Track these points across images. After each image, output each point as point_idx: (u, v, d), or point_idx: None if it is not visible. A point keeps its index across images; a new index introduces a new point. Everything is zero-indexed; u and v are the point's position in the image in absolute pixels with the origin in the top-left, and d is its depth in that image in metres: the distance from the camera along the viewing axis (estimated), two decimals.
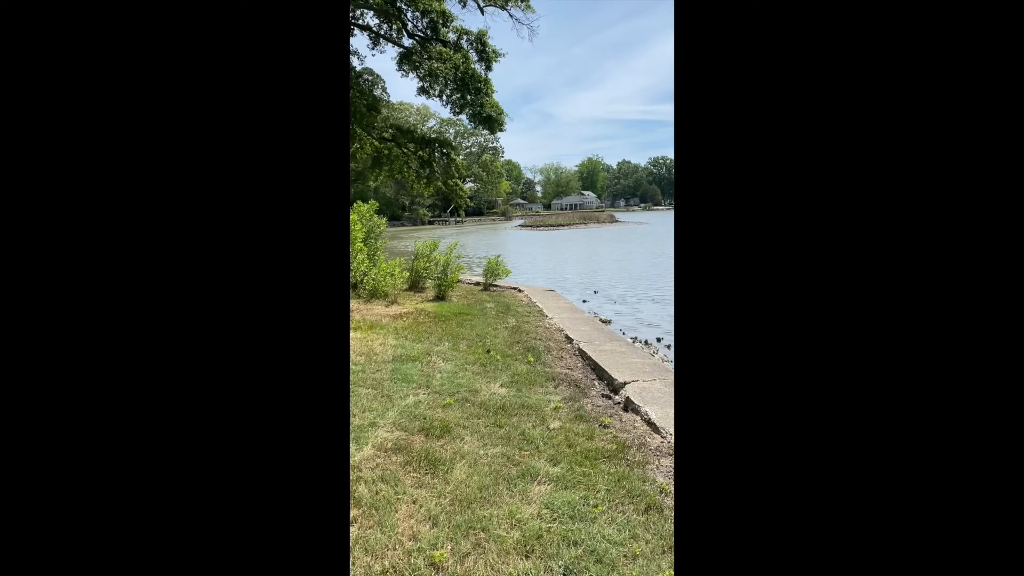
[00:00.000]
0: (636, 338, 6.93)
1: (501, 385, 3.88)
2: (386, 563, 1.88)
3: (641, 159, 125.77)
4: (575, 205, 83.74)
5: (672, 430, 3.05)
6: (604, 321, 7.64)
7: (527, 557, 1.94)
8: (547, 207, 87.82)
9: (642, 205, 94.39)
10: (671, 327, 7.71)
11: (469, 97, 11.66)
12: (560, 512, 2.20)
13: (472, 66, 11.48)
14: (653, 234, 30.76)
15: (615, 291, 11.08)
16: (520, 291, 8.61)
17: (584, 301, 9.78)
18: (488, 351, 4.80)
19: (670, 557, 1.93)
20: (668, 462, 2.74)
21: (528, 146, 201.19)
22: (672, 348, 6.60)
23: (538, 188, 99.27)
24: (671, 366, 5.50)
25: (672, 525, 2.14)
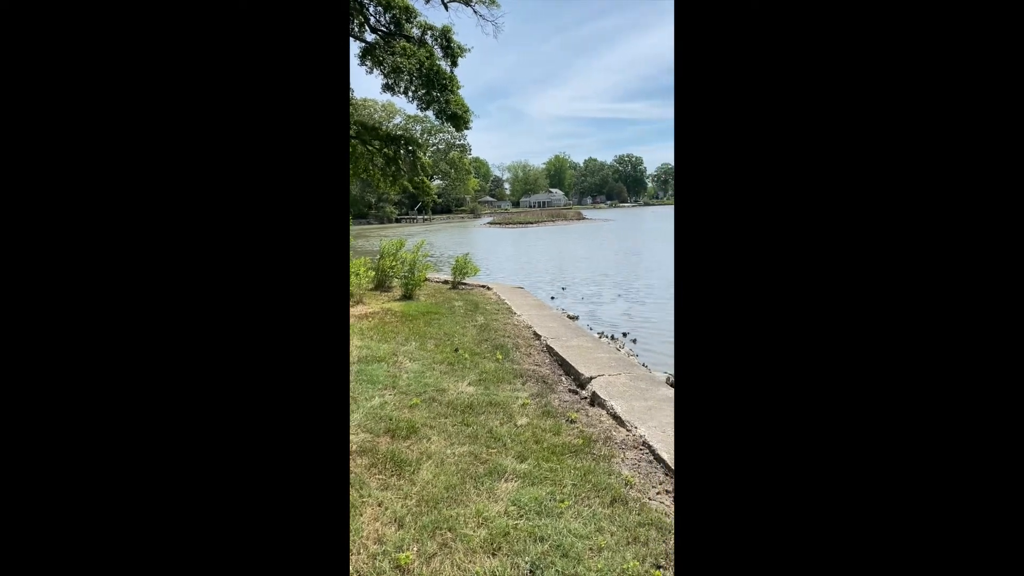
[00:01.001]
0: (603, 333, 7.02)
1: (469, 384, 3.86)
2: (350, 568, 1.85)
3: (607, 157, 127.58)
4: (543, 203, 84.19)
5: (637, 423, 3.10)
6: (572, 317, 7.71)
7: (494, 555, 1.94)
8: (516, 205, 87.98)
9: (608, 203, 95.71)
10: (637, 322, 7.85)
11: (435, 94, 11.55)
12: (527, 508, 2.21)
13: (437, 62, 11.37)
14: (619, 231, 31.24)
15: (583, 288, 11.20)
16: (489, 289, 8.60)
17: (552, 298, 9.85)
18: (456, 350, 4.77)
19: (635, 548, 1.97)
20: (633, 455, 2.79)
21: (496, 143, 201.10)
22: (637, 342, 6.72)
23: (506, 186, 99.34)
24: (636, 360, 5.60)
25: (637, 516, 2.18)
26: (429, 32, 11.51)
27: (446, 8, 11.69)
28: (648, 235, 27.48)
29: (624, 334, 7.10)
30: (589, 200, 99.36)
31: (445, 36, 11.48)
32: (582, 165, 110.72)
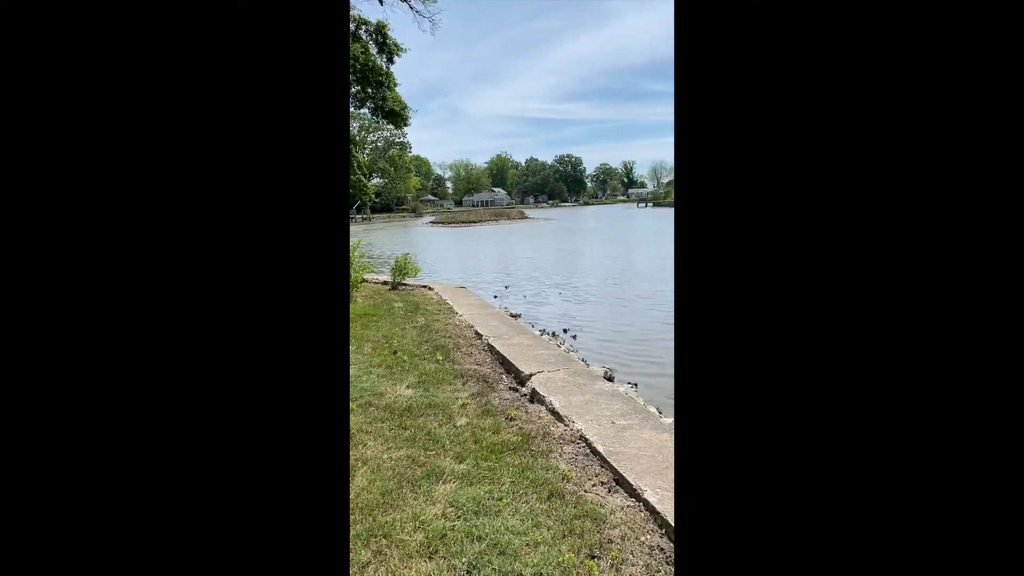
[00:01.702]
0: (544, 331, 7.12)
1: (408, 386, 3.79)
2: None
3: (547, 157, 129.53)
4: (486, 202, 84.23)
5: (575, 417, 3.17)
6: (514, 316, 7.76)
7: (430, 559, 1.91)
8: (458, 204, 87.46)
9: (550, 202, 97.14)
10: (578, 319, 8.02)
11: (370, 90, 11.25)
12: (465, 509, 2.20)
13: (372, 58, 11.08)
14: (562, 230, 31.82)
15: (526, 286, 11.31)
16: (430, 289, 8.49)
17: (495, 297, 9.87)
18: (395, 352, 4.67)
19: (570, 540, 2.01)
20: (570, 449, 2.84)
21: (437, 141, 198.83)
22: (577, 338, 6.87)
23: (448, 184, 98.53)
24: (576, 356, 5.72)
25: (573, 509, 2.22)
26: (364, 27, 11.20)
27: (381, 3, 11.42)
28: (589, 234, 28.17)
29: (565, 331, 7.23)
30: (531, 199, 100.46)
31: (380, 32, 11.21)
32: (524, 165, 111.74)
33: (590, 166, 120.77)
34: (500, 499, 2.28)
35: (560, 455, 2.77)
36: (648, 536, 2.09)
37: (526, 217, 51.94)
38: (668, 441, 2.85)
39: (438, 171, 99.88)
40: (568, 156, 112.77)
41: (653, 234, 26.20)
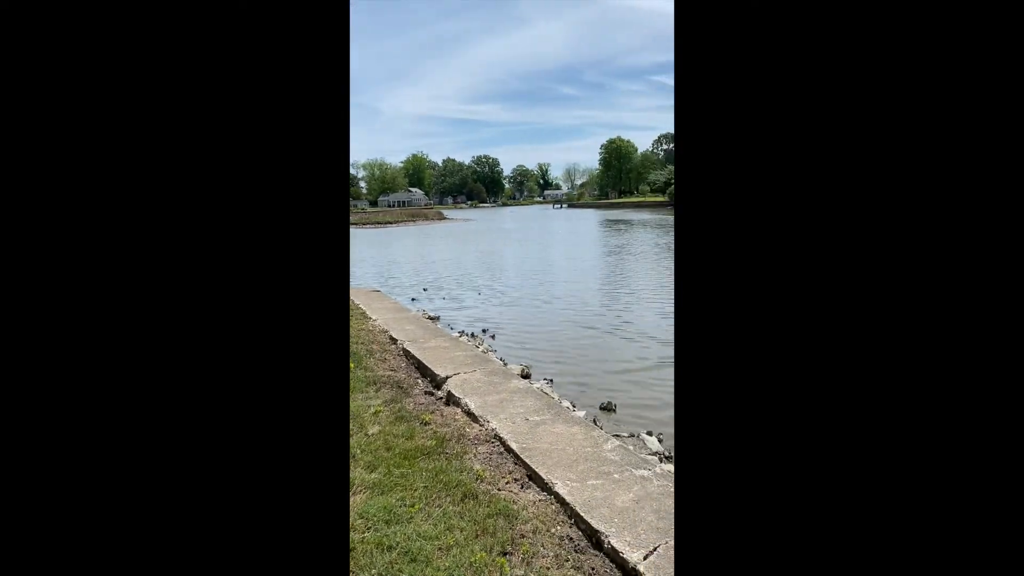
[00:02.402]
0: (463, 332, 7.11)
1: None
2: None
3: (465, 157, 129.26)
4: (403, 202, 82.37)
5: (490, 417, 3.20)
6: (432, 318, 7.67)
7: None
8: (373, 204, 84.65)
9: (469, 203, 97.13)
10: (498, 320, 8.09)
11: None
12: (375, 519, 2.14)
13: None
14: (481, 231, 31.92)
15: (445, 288, 11.21)
16: None
17: (413, 299, 9.69)
18: None
19: (483, 540, 2.02)
20: (485, 448, 2.87)
21: (351, 141, 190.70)
22: (496, 338, 6.94)
23: (363, 184, 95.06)
24: (494, 355, 5.78)
25: (486, 508, 2.24)
26: None
27: None
28: (508, 235, 28.50)
29: (484, 331, 7.27)
30: (449, 200, 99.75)
31: None
32: (441, 165, 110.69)
33: (507, 167, 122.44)
34: (412, 505, 2.24)
35: (475, 456, 2.78)
36: (558, 527, 2.16)
37: (445, 218, 51.50)
38: (579, 433, 2.97)
39: (352, 171, 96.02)
40: (485, 157, 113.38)
41: (569, 234, 27.09)
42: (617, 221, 35.72)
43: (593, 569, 1.92)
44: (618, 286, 10.27)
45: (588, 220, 39.98)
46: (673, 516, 2.17)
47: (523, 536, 2.07)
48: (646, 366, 5.51)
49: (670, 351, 5.85)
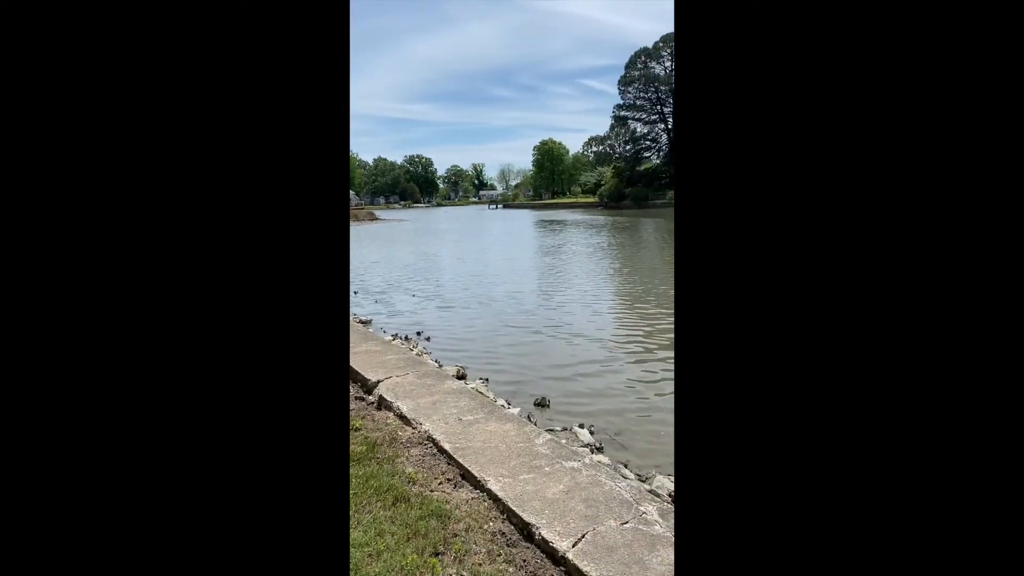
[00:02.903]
0: (396, 335, 6.97)
1: None
2: None
3: (397, 157, 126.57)
4: None
5: (422, 419, 3.17)
6: (364, 322, 7.47)
7: None
8: None
9: (402, 203, 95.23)
10: (433, 322, 8.01)
11: None
12: None
13: None
14: (415, 232, 31.40)
15: (377, 291, 10.94)
16: None
17: None
18: None
19: (415, 542, 2.01)
20: (417, 451, 2.84)
21: None
22: (431, 340, 6.87)
23: None
24: (429, 357, 5.72)
25: (418, 511, 2.23)
26: None
27: None
28: (443, 235, 28.24)
29: (418, 333, 7.17)
30: (382, 200, 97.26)
31: None
32: (372, 164, 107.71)
33: (441, 167, 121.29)
34: None
35: (407, 459, 2.75)
36: (491, 523, 2.19)
37: (377, 218, 50.14)
38: (512, 430, 3.02)
39: None
40: (418, 157, 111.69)
41: (505, 235, 27.29)
42: (551, 221, 36.44)
43: (524, 561, 1.97)
44: (554, 286, 10.49)
45: (523, 220, 40.47)
46: (600, 502, 2.26)
47: (456, 535, 2.08)
48: (581, 364, 5.68)
49: (605, 351, 6.07)
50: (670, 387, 4.84)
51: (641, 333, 6.68)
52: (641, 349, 6.01)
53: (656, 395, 4.69)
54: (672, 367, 5.18)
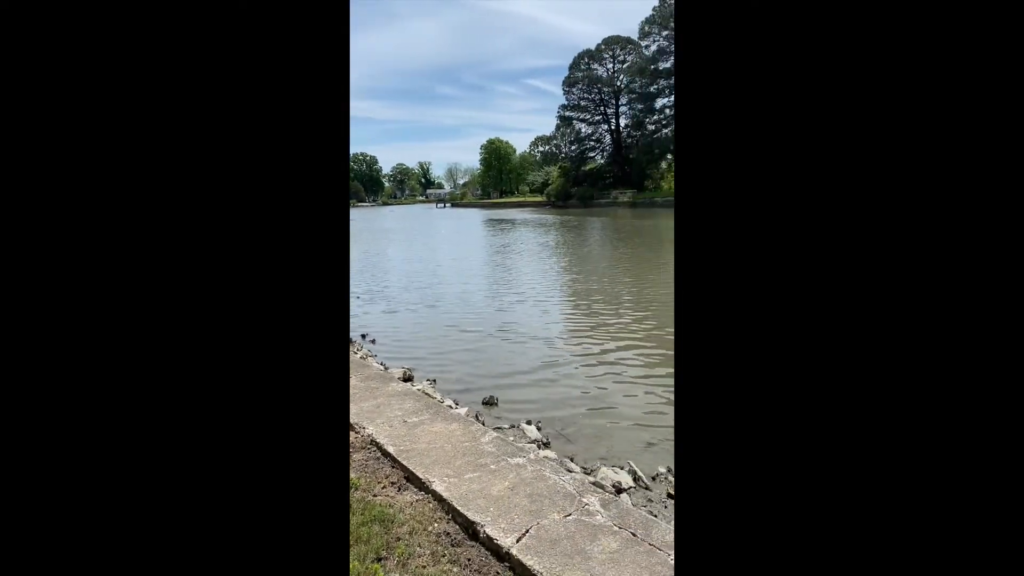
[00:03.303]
0: None
1: None
2: None
3: None
4: None
5: (365, 423, 3.10)
6: None
7: None
8: None
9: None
10: (380, 324, 7.83)
11: None
12: None
13: None
14: (360, 231, 30.57)
15: None
16: None
17: None
18: None
19: (357, 549, 1.97)
20: (360, 456, 2.77)
21: None
22: (376, 342, 6.72)
23: None
24: (375, 359, 5.59)
25: (361, 516, 2.18)
26: None
27: None
28: (389, 235, 27.67)
29: (363, 336, 7.00)
30: None
31: None
32: None
33: (386, 166, 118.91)
34: None
35: (351, 464, 2.68)
36: (436, 524, 2.18)
37: None
38: (458, 430, 3.01)
39: None
40: (363, 154, 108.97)
41: (454, 234, 27.10)
42: (500, 220, 36.53)
43: (469, 560, 1.97)
44: (504, 286, 10.52)
45: (472, 219, 40.34)
46: (544, 496, 2.30)
47: (399, 539, 2.05)
48: (530, 362, 5.73)
49: (553, 348, 6.15)
50: (616, 381, 4.99)
51: (590, 330, 6.83)
52: (589, 345, 6.15)
53: (598, 388, 4.81)
54: (619, 363, 5.36)
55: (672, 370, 5.08)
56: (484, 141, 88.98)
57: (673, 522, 2.64)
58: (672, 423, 3.98)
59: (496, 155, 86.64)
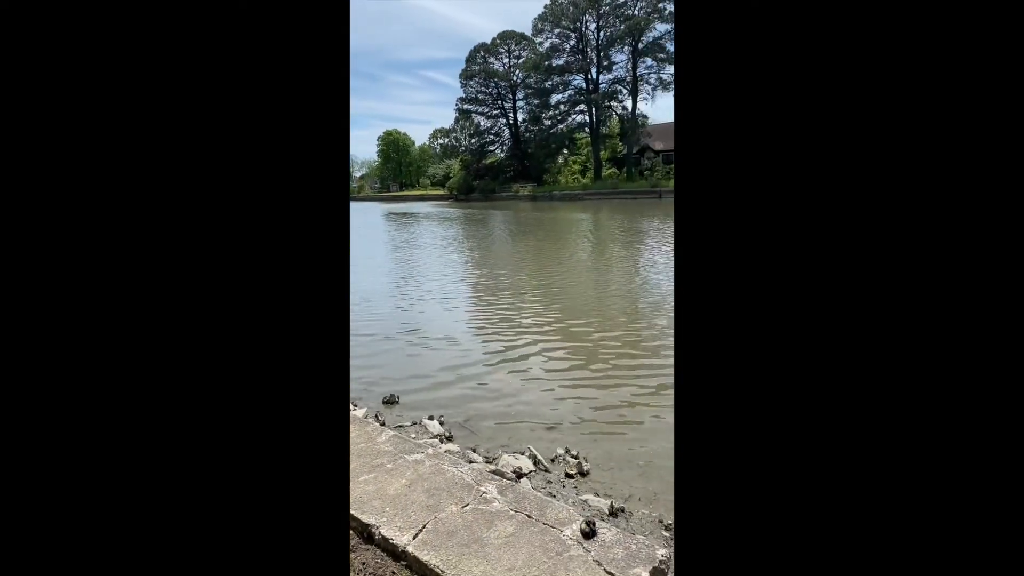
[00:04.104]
0: None
1: None
2: None
3: None
4: None
5: None
6: None
7: None
8: None
9: None
10: None
11: None
12: None
13: None
14: None
15: None
16: None
17: None
18: None
19: None
20: None
21: None
22: None
23: None
24: None
25: None
26: None
27: None
28: None
29: None
30: None
31: None
32: None
33: None
34: None
35: None
36: None
37: None
38: (353, 432, 2.89)
39: None
40: None
41: (352, 228, 25.82)
42: (403, 214, 35.62)
43: (364, 564, 1.91)
44: (408, 281, 10.27)
45: (372, 213, 38.86)
46: (442, 490, 2.29)
47: None
48: (435, 361, 5.66)
49: (458, 348, 6.12)
50: (517, 371, 5.10)
51: (494, 325, 6.91)
52: (494, 340, 6.21)
53: (501, 381, 4.89)
54: (523, 356, 5.48)
55: (574, 358, 5.32)
56: (381, 132, 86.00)
57: (566, 500, 2.77)
58: (573, 407, 4.17)
59: (394, 147, 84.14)
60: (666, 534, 2.51)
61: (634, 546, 1.91)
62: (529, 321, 6.77)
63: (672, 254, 11.54)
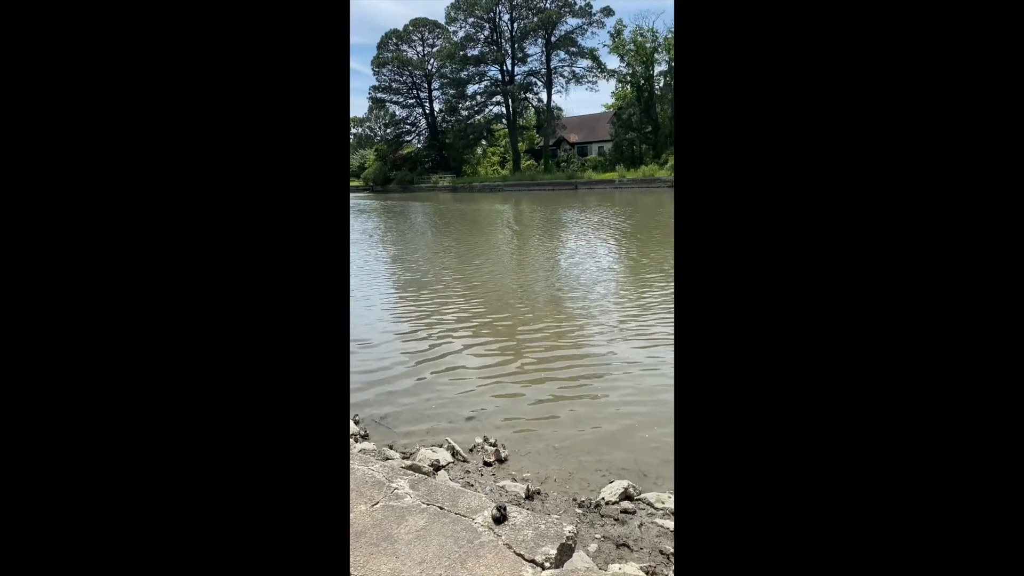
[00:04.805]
0: None
1: None
2: None
3: None
4: None
5: None
6: None
7: None
8: None
9: None
10: None
11: None
12: None
13: None
14: None
15: None
16: None
17: None
18: None
19: None
20: None
21: None
22: None
23: None
24: None
25: None
26: None
27: None
28: None
29: None
30: None
31: None
32: None
33: None
34: None
35: None
36: None
37: None
38: None
39: None
40: None
41: None
42: None
43: None
44: None
45: None
46: (352, 490, 2.22)
47: None
48: (352, 361, 5.45)
49: (377, 347, 5.94)
50: (438, 367, 5.05)
51: (415, 318, 6.78)
52: (413, 335, 6.10)
53: (419, 377, 4.83)
54: (443, 351, 5.42)
55: (497, 351, 5.35)
56: None
57: (483, 488, 2.80)
58: (493, 398, 4.21)
59: None
60: (579, 511, 2.61)
61: (543, 526, 1.97)
62: (451, 316, 6.72)
63: (590, 246, 12.01)
